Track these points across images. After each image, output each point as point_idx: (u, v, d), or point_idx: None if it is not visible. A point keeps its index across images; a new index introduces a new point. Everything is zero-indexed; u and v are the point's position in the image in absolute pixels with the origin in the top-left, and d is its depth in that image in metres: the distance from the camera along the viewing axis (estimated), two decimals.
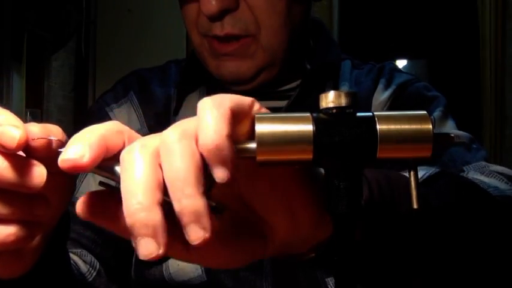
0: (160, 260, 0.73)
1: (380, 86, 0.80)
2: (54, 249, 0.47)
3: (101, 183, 0.40)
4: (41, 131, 0.36)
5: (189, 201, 0.32)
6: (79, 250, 0.72)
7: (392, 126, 0.38)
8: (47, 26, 2.48)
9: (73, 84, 2.97)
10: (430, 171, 0.52)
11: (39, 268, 0.44)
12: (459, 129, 0.79)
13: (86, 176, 0.76)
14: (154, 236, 0.31)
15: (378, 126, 0.37)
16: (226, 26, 0.69)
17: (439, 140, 0.39)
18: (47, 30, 2.49)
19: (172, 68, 0.85)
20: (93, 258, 0.73)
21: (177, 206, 0.32)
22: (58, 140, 0.37)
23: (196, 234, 0.32)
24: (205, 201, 0.32)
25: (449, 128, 0.76)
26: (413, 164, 0.39)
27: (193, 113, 0.36)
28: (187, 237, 0.32)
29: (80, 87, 2.98)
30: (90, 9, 2.94)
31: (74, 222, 0.72)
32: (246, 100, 0.36)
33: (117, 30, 2.93)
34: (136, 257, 0.79)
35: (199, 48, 0.73)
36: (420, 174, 0.51)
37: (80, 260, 0.71)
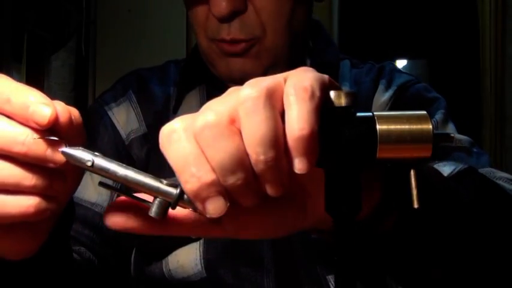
0: (160, 257, 0.73)
1: (380, 87, 0.80)
2: (60, 234, 0.48)
3: (100, 183, 0.40)
4: (64, 110, 0.39)
5: (272, 162, 0.34)
6: (77, 247, 0.72)
7: (392, 126, 0.38)
8: (47, 26, 2.48)
9: (73, 84, 2.96)
10: (460, 167, 0.53)
11: (45, 251, 0.45)
12: (459, 129, 0.79)
13: (84, 175, 0.76)
14: (222, 194, 0.35)
15: (378, 126, 0.37)
16: (233, 31, 0.70)
17: (439, 140, 0.39)
18: (47, 30, 2.48)
19: (172, 67, 0.85)
20: (91, 255, 0.73)
21: (260, 166, 0.35)
22: (57, 139, 0.38)
23: (277, 187, 0.36)
24: (285, 162, 0.35)
25: (451, 131, 0.77)
26: (413, 164, 0.39)
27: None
28: (268, 191, 0.36)
29: (80, 87, 2.97)
30: (90, 9, 2.93)
31: (73, 221, 0.72)
32: (327, 81, 0.38)
33: (117, 30, 2.92)
34: (136, 254, 0.79)
35: (207, 50, 0.74)
36: (450, 169, 0.53)
37: (79, 257, 0.72)
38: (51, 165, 0.38)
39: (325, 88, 0.36)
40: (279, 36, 0.72)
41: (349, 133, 0.37)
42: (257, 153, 0.34)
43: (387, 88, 0.79)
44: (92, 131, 0.79)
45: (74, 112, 0.40)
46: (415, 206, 0.39)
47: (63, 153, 0.38)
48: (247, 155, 0.35)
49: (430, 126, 0.37)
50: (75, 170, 0.42)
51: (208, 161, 0.35)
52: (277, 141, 0.34)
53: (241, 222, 0.41)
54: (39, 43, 2.51)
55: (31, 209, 0.38)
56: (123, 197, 0.41)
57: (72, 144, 0.39)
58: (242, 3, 0.69)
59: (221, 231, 0.41)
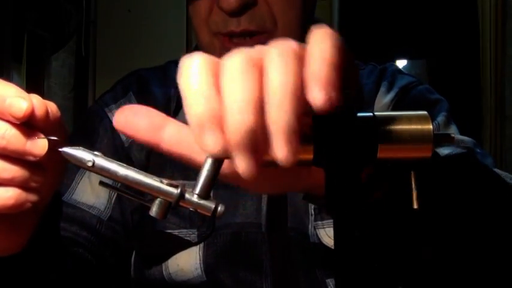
0: (160, 260, 0.73)
1: (382, 89, 0.79)
2: (47, 228, 0.48)
3: (101, 182, 0.40)
4: (40, 103, 0.40)
5: (287, 118, 0.33)
6: (76, 249, 0.72)
7: (393, 126, 0.38)
8: (47, 26, 2.48)
9: (73, 84, 2.97)
10: (458, 150, 0.53)
11: (32, 246, 0.45)
12: (459, 129, 0.79)
13: (82, 177, 0.76)
14: (222, 131, 0.34)
15: (378, 126, 0.37)
16: (243, 23, 0.68)
17: (440, 140, 0.39)
18: (47, 30, 2.48)
19: (173, 68, 0.85)
20: (90, 257, 0.73)
21: (274, 123, 0.33)
22: (57, 139, 0.39)
23: (288, 152, 0.33)
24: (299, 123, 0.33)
25: (454, 133, 0.76)
26: (413, 164, 0.39)
27: None
28: (277, 154, 0.33)
29: (80, 87, 2.97)
30: (90, 9, 2.93)
31: (71, 223, 0.72)
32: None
33: (117, 30, 2.92)
34: (136, 257, 0.79)
35: (209, 48, 0.72)
36: (447, 150, 0.52)
37: (77, 259, 0.71)
38: (31, 158, 0.39)
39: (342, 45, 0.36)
40: (290, 31, 0.69)
41: (349, 133, 0.37)
42: (283, 105, 0.32)
43: (389, 90, 0.78)
44: (91, 132, 0.79)
45: (51, 106, 0.41)
46: (415, 207, 0.39)
47: (64, 153, 0.38)
48: (262, 103, 0.33)
49: (431, 127, 0.37)
50: (57, 163, 0.42)
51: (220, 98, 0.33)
52: (302, 98, 0.33)
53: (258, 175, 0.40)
54: (39, 43, 2.51)
55: (11, 201, 0.39)
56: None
57: (50, 136, 0.39)
58: None
59: (225, 178, 0.40)
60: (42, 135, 0.40)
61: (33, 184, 0.40)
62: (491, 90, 3.01)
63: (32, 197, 0.40)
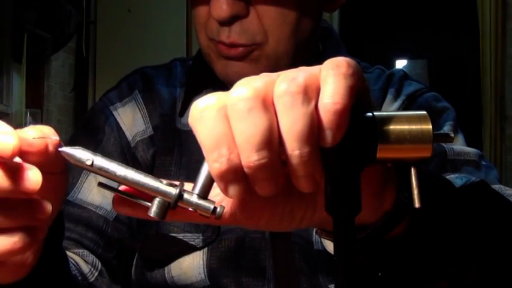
0: (163, 263, 0.73)
1: (389, 97, 0.79)
2: (51, 247, 0.47)
3: (100, 184, 0.40)
4: (37, 134, 0.37)
5: (307, 157, 0.35)
6: (81, 250, 0.72)
7: (392, 127, 0.38)
8: (47, 26, 2.48)
9: (73, 84, 2.97)
10: (472, 179, 0.54)
11: (38, 268, 0.44)
12: (460, 128, 0.79)
13: (87, 177, 0.75)
14: (245, 179, 0.36)
15: (378, 126, 0.37)
16: (233, 35, 0.68)
17: (439, 140, 0.39)
18: (47, 30, 2.48)
19: (178, 67, 0.84)
20: (95, 258, 0.72)
21: (295, 161, 0.35)
22: (56, 139, 0.38)
23: (310, 184, 0.36)
24: (319, 158, 0.35)
25: (460, 142, 0.76)
26: (413, 164, 0.39)
27: None
28: (299, 186, 0.36)
29: (80, 87, 2.98)
30: (90, 9, 2.94)
31: (76, 223, 0.72)
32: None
33: (117, 30, 2.93)
34: (138, 258, 0.79)
35: (206, 50, 0.73)
36: (462, 181, 0.53)
37: (82, 260, 0.71)
38: (24, 195, 0.36)
39: (359, 70, 0.36)
40: (282, 45, 0.69)
41: (349, 133, 0.37)
42: (293, 147, 0.34)
43: (396, 98, 0.77)
44: (97, 131, 0.78)
45: (48, 132, 0.37)
46: (416, 205, 0.38)
47: (63, 152, 0.38)
48: (277, 135, 0.34)
49: (430, 127, 0.37)
50: (56, 189, 0.41)
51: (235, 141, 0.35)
52: (313, 135, 0.34)
53: (252, 211, 0.41)
54: (39, 43, 2.51)
55: (17, 245, 0.37)
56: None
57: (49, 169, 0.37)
58: (243, 8, 0.67)
59: (231, 218, 0.41)
60: (32, 167, 0.36)
61: (38, 221, 0.37)
62: (491, 90, 3.01)
63: (39, 235, 0.38)
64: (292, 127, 0.34)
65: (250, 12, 0.68)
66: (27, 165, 0.36)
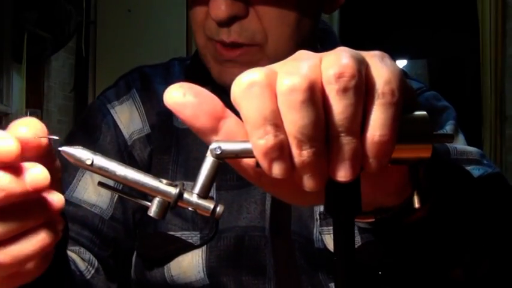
0: (162, 262, 0.73)
1: None
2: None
3: (99, 183, 0.40)
4: (32, 132, 0.37)
5: (354, 143, 0.35)
6: (77, 248, 0.72)
7: None
8: (47, 26, 2.48)
9: (73, 84, 2.97)
10: (490, 171, 0.54)
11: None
12: (460, 128, 0.79)
13: (83, 175, 0.75)
14: (290, 159, 0.35)
15: None
16: (233, 34, 0.67)
17: (439, 140, 0.39)
18: (47, 30, 2.49)
19: (176, 66, 0.84)
20: (91, 256, 0.72)
21: (343, 145, 0.35)
22: (56, 138, 0.38)
23: (351, 171, 0.35)
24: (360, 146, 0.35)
25: (461, 142, 0.76)
26: (413, 165, 0.39)
27: None
28: (339, 173, 0.36)
29: (80, 87, 2.98)
30: (90, 9, 2.94)
31: (72, 222, 0.72)
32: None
33: (117, 30, 2.93)
34: (137, 257, 0.79)
35: (203, 51, 0.72)
36: (479, 172, 0.53)
37: (78, 258, 0.71)
38: (37, 194, 0.37)
39: (405, 86, 0.37)
40: (281, 45, 0.69)
41: None
42: (341, 132, 0.34)
43: None
44: (94, 129, 0.78)
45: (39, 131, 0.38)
46: (416, 205, 0.39)
47: (63, 152, 0.38)
48: (325, 128, 0.34)
49: (430, 127, 0.37)
50: (58, 184, 0.41)
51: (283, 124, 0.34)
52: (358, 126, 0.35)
53: (278, 181, 0.39)
54: (39, 43, 2.52)
55: (46, 241, 0.38)
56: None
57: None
58: (242, 9, 0.67)
59: (256, 177, 0.40)
60: (37, 164, 0.36)
61: (56, 212, 0.38)
62: (491, 90, 3.01)
63: (60, 225, 0.39)
64: (347, 117, 0.34)
65: (250, 13, 0.67)
66: (28, 164, 0.36)
